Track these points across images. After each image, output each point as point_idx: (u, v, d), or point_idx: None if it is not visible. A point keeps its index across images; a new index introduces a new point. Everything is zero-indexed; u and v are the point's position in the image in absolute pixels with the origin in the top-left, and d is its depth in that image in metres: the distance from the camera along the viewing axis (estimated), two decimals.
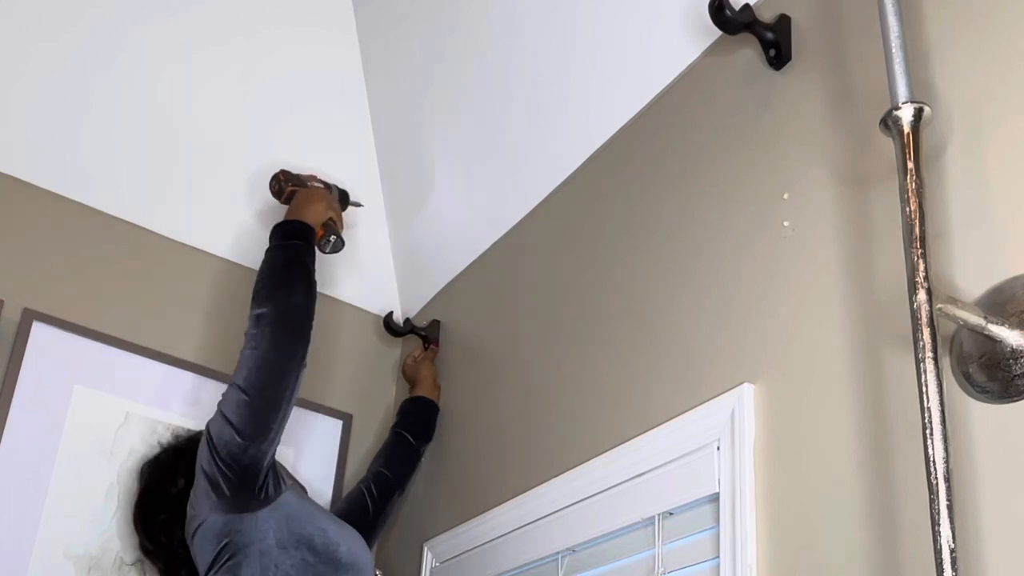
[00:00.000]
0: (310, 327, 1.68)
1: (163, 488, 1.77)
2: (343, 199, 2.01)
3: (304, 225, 1.78)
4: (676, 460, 1.36)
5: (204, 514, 1.61)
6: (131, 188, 2.06)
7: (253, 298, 1.69)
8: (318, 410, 2.17)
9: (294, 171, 1.96)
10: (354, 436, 2.22)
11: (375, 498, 1.96)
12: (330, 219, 1.88)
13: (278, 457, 1.69)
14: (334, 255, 1.96)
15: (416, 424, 2.05)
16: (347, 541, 1.65)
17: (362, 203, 2.09)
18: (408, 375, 2.16)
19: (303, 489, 1.80)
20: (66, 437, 1.87)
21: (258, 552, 1.56)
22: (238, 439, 1.58)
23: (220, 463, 1.58)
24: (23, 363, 1.85)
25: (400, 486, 2.03)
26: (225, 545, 1.58)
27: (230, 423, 1.59)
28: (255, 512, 1.59)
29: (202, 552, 1.61)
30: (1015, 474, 0.96)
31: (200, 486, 1.62)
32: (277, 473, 1.66)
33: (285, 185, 1.89)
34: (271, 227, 1.80)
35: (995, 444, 0.99)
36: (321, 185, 1.94)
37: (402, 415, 2.08)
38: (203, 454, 1.62)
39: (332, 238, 1.84)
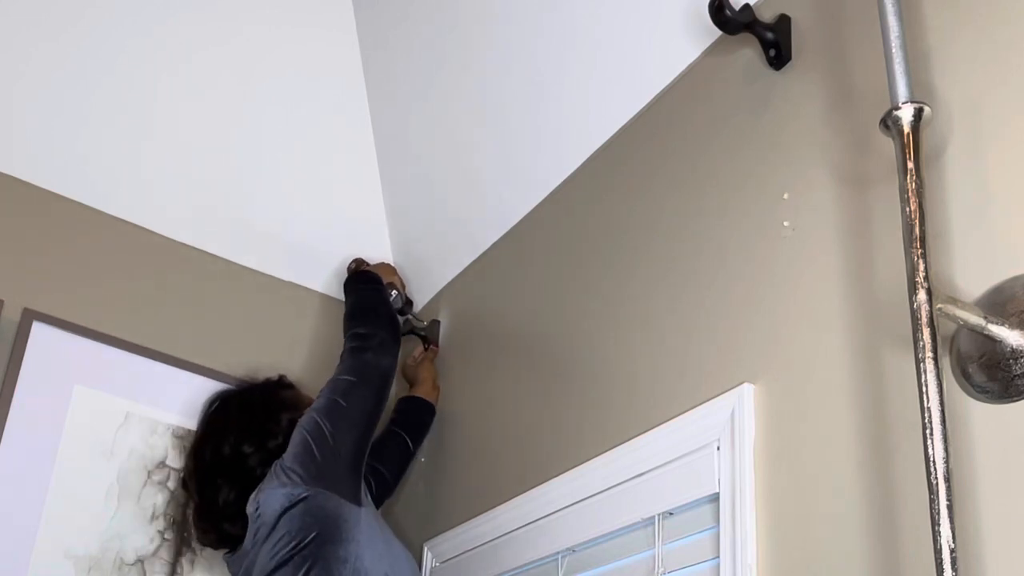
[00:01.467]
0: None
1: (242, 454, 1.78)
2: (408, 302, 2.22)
3: (374, 274, 2.07)
4: (676, 460, 1.36)
5: (306, 489, 1.62)
6: (131, 188, 2.06)
7: (355, 335, 1.87)
8: None
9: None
10: None
11: (374, 495, 1.96)
12: (394, 282, 2.13)
13: None
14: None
15: (413, 424, 2.05)
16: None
17: (423, 322, 2.22)
18: (408, 375, 2.16)
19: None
20: (66, 437, 1.87)
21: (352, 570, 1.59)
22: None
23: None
24: (23, 363, 1.85)
25: (395, 486, 2.03)
26: (316, 535, 1.59)
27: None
28: (358, 507, 1.65)
29: (290, 528, 1.61)
30: (1015, 474, 0.96)
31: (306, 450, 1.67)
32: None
33: (361, 266, 2.17)
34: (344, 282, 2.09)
35: (995, 444, 0.99)
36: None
37: (399, 413, 2.08)
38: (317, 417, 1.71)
39: (394, 292, 2.11)
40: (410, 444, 2.03)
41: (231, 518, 1.71)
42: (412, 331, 2.22)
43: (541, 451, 1.69)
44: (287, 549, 1.59)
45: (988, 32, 1.12)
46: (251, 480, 1.70)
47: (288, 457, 1.67)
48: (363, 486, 1.71)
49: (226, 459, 1.74)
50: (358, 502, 1.66)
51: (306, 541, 1.59)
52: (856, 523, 1.10)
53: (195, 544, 1.95)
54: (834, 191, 1.25)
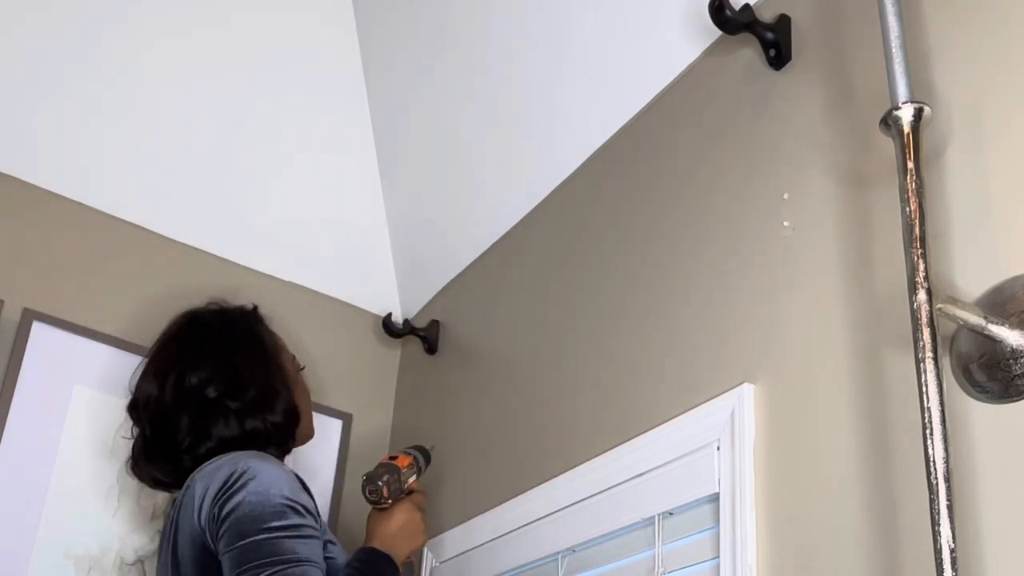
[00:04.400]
0: None
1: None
2: (427, 459, 1.77)
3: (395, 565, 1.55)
4: (676, 460, 1.36)
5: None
6: (131, 188, 2.06)
7: None
8: (318, 410, 2.16)
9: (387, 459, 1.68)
10: (354, 436, 2.22)
11: None
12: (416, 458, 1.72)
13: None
14: None
15: None
16: None
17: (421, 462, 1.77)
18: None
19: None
20: (66, 437, 1.87)
21: None
22: None
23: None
24: (23, 363, 1.85)
25: None
26: None
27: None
28: None
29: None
30: (1015, 474, 0.96)
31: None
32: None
33: (388, 500, 1.60)
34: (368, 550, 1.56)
35: (995, 444, 0.99)
36: (416, 480, 1.70)
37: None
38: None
39: (414, 474, 1.69)
40: None
41: (177, 460, 1.55)
42: (412, 332, 2.22)
43: (541, 451, 1.69)
44: None
45: (988, 32, 1.12)
46: (212, 426, 1.52)
47: (227, 536, 1.36)
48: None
49: (192, 391, 1.55)
50: None
51: None
52: (856, 523, 1.10)
53: None
54: (834, 191, 1.25)
